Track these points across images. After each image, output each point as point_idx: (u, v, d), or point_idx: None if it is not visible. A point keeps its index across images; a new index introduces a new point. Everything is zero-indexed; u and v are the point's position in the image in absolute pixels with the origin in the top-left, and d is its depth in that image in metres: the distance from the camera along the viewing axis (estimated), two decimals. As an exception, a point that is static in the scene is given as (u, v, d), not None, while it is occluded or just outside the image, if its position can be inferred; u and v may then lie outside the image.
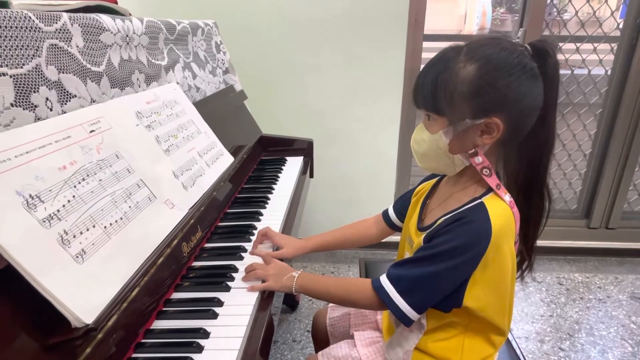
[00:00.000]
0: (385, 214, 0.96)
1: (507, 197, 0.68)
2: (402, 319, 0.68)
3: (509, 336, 0.94)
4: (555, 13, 1.87)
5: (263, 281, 0.79)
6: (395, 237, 0.91)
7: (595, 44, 1.84)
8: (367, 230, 0.98)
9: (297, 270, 0.81)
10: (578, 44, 1.84)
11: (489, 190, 0.68)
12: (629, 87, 1.81)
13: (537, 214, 0.73)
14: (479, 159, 0.66)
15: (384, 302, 0.69)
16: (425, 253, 0.67)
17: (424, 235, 0.71)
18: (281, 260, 0.86)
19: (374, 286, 0.71)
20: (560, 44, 1.86)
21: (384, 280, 0.70)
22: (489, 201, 0.67)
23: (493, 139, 0.65)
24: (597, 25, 1.82)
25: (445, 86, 0.63)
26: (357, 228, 0.99)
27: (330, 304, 1.02)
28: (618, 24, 1.80)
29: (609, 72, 1.87)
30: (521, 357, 0.90)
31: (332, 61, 1.78)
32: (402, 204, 0.92)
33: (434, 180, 0.83)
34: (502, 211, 0.66)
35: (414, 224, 0.78)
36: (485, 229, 0.64)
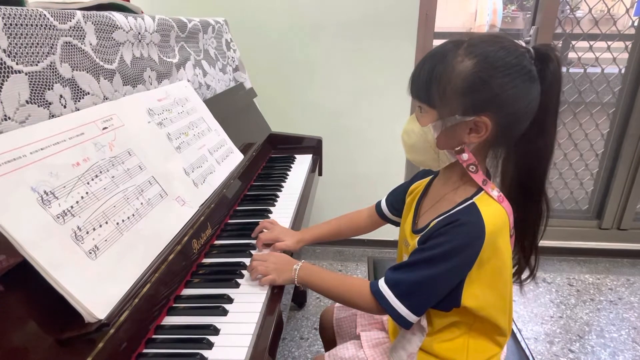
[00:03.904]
0: (378, 206, 0.97)
1: (495, 192, 0.67)
2: (401, 323, 0.68)
3: (518, 336, 0.93)
4: (568, 10, 1.84)
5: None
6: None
7: (609, 42, 1.81)
8: (361, 222, 1.00)
9: (299, 261, 0.81)
10: (591, 42, 1.82)
11: (480, 189, 0.68)
12: (643, 86, 1.78)
13: (534, 222, 0.72)
14: (465, 156, 0.66)
15: (382, 306, 0.69)
16: (420, 256, 0.67)
17: (418, 238, 0.70)
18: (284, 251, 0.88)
19: (372, 290, 0.71)
20: (573, 42, 1.84)
21: (381, 284, 0.70)
22: (480, 201, 0.66)
23: (480, 138, 0.64)
24: (611, 23, 1.79)
25: (440, 78, 0.63)
26: (350, 219, 1.02)
27: (337, 304, 1.02)
28: (633, 22, 1.77)
29: (622, 71, 1.84)
30: (530, 358, 0.89)
31: (341, 59, 1.77)
32: (394, 198, 0.93)
33: (427, 180, 0.83)
34: (494, 209, 0.66)
35: (409, 226, 0.78)
36: (478, 230, 0.63)
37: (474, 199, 0.67)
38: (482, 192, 0.67)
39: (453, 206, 0.68)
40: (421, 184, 0.84)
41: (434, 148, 0.67)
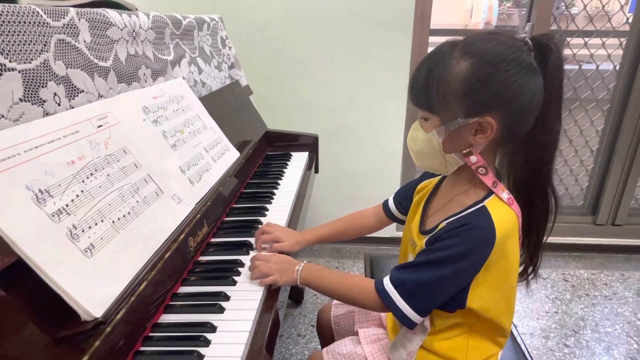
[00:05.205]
0: (385, 205, 0.96)
1: (505, 194, 0.67)
2: (405, 322, 0.68)
3: (514, 332, 0.94)
4: (563, 7, 1.85)
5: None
6: (400, 233, 0.91)
7: (604, 39, 1.82)
8: (366, 222, 0.99)
9: (301, 262, 0.81)
10: (586, 39, 1.82)
11: (490, 193, 0.67)
12: (637, 82, 1.79)
13: (541, 218, 0.71)
14: (473, 159, 0.65)
15: (387, 305, 0.69)
16: (428, 257, 0.67)
17: (426, 239, 0.70)
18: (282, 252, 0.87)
19: (377, 289, 0.71)
20: (568, 39, 1.84)
21: (387, 283, 0.70)
22: (491, 205, 0.65)
23: (487, 139, 0.63)
24: (605, 19, 1.80)
25: (437, 83, 0.61)
26: (355, 219, 1.00)
27: (334, 301, 1.03)
28: (627, 19, 1.78)
29: (617, 67, 1.85)
30: (526, 353, 0.90)
31: (337, 56, 1.77)
32: (402, 196, 0.92)
33: (435, 180, 0.82)
34: (505, 214, 0.65)
35: (416, 226, 0.77)
36: (489, 235, 0.63)
37: (485, 202, 0.66)
38: (493, 195, 0.66)
39: (463, 208, 0.67)
40: (430, 183, 0.83)
41: (441, 153, 0.66)
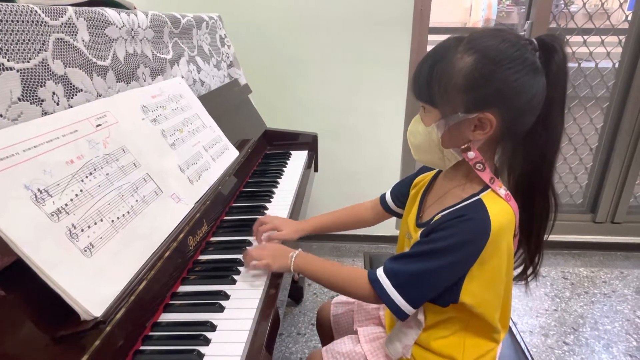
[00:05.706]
0: (382, 198, 0.96)
1: (502, 190, 0.67)
2: (397, 313, 0.68)
3: (513, 330, 0.94)
4: (563, 5, 1.85)
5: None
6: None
7: (603, 37, 1.82)
8: (363, 214, 1.00)
9: (296, 250, 0.81)
10: (585, 37, 1.82)
11: (487, 187, 0.67)
12: (636, 80, 1.79)
13: (541, 217, 0.70)
14: (471, 154, 0.65)
15: (379, 295, 0.69)
16: (422, 248, 0.67)
17: (421, 231, 0.70)
18: (282, 243, 0.87)
19: (370, 279, 0.71)
20: (568, 37, 1.84)
21: (380, 273, 0.70)
22: (487, 198, 0.66)
23: (486, 135, 0.63)
24: (605, 17, 1.80)
25: (440, 77, 0.62)
26: (353, 211, 1.01)
27: (334, 300, 1.03)
28: (626, 16, 1.78)
29: (616, 65, 1.85)
30: (525, 351, 0.90)
31: (336, 54, 1.77)
32: (399, 190, 0.92)
33: (431, 174, 0.82)
34: (501, 208, 0.65)
35: (412, 220, 0.77)
36: (484, 228, 0.63)
37: (481, 196, 0.66)
38: (489, 189, 0.66)
39: (459, 201, 0.67)
40: (426, 177, 0.83)
41: (440, 147, 0.67)
